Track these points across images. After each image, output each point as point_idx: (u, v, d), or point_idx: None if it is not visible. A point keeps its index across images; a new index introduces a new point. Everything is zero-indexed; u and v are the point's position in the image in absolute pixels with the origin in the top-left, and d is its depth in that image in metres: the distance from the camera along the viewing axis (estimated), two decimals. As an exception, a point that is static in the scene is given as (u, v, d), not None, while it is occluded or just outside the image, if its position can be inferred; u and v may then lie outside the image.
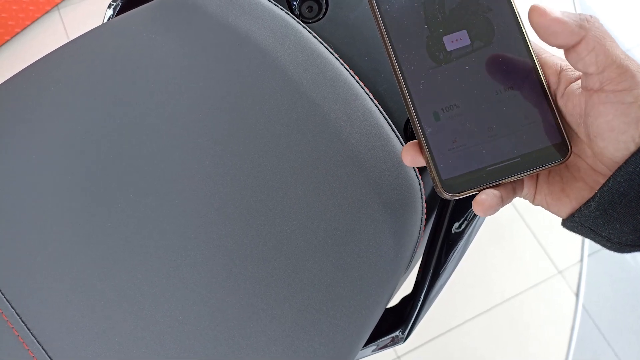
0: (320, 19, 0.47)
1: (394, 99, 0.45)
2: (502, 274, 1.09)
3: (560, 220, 0.31)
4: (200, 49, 0.41)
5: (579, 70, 0.27)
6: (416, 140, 0.30)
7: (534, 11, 0.27)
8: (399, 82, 0.29)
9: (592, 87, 0.27)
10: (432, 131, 0.29)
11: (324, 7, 0.47)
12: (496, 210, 0.28)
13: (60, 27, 1.22)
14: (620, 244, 0.29)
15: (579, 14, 0.27)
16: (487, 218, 1.10)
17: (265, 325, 0.37)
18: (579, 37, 0.26)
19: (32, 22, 1.21)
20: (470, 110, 0.29)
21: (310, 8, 0.47)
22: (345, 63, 0.43)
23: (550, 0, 1.36)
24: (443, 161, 0.29)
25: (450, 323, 1.05)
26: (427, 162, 0.29)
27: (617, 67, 0.25)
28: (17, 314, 0.36)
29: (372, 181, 0.39)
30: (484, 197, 0.28)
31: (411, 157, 0.30)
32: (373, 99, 0.42)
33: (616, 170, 0.26)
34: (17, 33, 1.20)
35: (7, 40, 1.19)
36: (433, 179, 0.29)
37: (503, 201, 0.29)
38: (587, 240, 1.13)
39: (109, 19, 0.49)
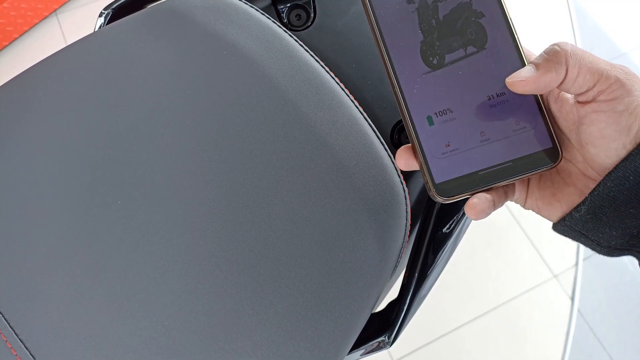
0: (308, 27, 0.47)
1: (381, 105, 0.46)
2: (497, 278, 1.09)
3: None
4: (187, 58, 0.42)
5: (572, 94, 0.28)
6: (410, 145, 0.30)
7: (514, 86, 0.28)
8: (393, 87, 0.30)
9: (585, 100, 0.27)
10: (425, 135, 0.29)
11: (312, 15, 0.47)
12: (488, 214, 0.29)
13: (58, 32, 1.23)
14: (610, 248, 0.29)
15: (545, 50, 0.28)
16: (483, 222, 1.10)
17: (251, 330, 0.37)
18: (564, 70, 0.27)
19: (30, 28, 1.22)
20: (463, 115, 0.30)
21: (298, 16, 0.48)
22: (332, 70, 0.43)
23: (545, 3, 1.36)
24: (436, 165, 0.29)
25: (446, 327, 1.05)
26: (421, 166, 0.30)
27: (606, 78, 0.26)
28: (3, 316, 0.37)
29: (357, 187, 0.40)
30: (476, 201, 0.29)
31: (405, 160, 0.30)
32: (358, 106, 0.42)
33: (606, 175, 0.27)
34: (16, 39, 1.20)
35: (6, 46, 1.20)
36: (426, 182, 0.29)
37: (495, 205, 0.29)
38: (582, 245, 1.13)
39: (99, 27, 0.49)
